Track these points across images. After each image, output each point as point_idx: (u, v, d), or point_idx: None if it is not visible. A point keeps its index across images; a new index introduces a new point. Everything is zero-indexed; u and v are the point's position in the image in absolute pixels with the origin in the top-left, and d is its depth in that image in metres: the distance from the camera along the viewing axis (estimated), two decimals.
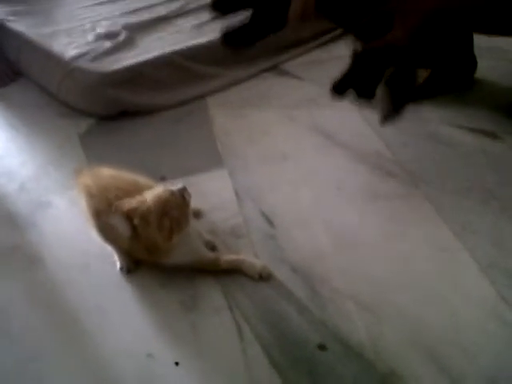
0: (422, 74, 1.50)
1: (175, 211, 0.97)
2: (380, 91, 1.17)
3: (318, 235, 1.12)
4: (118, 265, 1.07)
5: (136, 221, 0.97)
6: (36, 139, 1.47)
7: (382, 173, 1.27)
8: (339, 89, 1.17)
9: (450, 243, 1.09)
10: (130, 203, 0.97)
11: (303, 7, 1.03)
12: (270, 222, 1.16)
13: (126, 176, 1.08)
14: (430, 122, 1.41)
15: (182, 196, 0.99)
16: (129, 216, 0.98)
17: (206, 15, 1.76)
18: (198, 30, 1.69)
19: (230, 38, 1.06)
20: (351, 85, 1.16)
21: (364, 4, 1.08)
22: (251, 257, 1.07)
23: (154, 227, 0.96)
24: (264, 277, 1.03)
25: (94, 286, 1.05)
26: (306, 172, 1.30)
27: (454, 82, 1.48)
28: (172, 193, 0.98)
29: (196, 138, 1.43)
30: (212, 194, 1.24)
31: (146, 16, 1.77)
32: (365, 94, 1.17)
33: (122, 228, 0.99)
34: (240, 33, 1.06)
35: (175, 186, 1.00)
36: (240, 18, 1.06)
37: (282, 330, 0.95)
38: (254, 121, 1.49)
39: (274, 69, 1.69)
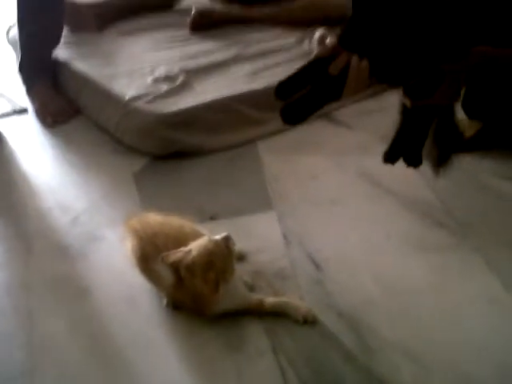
0: (475, 125, 1.49)
1: (220, 262, 0.98)
2: (428, 144, 1.17)
3: (366, 282, 1.11)
4: (165, 301, 1.08)
5: (183, 272, 0.99)
6: (91, 175, 1.52)
7: (431, 222, 1.26)
8: (391, 157, 1.17)
9: (501, 297, 1.06)
10: (175, 255, 0.99)
11: (357, 81, 1.06)
12: (317, 266, 1.16)
13: (174, 222, 1.10)
14: (481, 173, 1.40)
15: (227, 246, 1.00)
16: (175, 267, 0.99)
17: (260, 62, 1.81)
18: (253, 77, 1.73)
19: (287, 114, 1.10)
20: (402, 151, 1.16)
21: (417, 64, 1.10)
22: (296, 300, 1.07)
23: (200, 279, 0.97)
24: (309, 320, 1.03)
25: (140, 322, 1.06)
26: (354, 218, 1.30)
27: (508, 137, 1.47)
28: (216, 243, 1.00)
29: (246, 180, 1.45)
30: (260, 235, 1.25)
31: (202, 61, 1.82)
32: (414, 163, 1.17)
33: (167, 277, 1.01)
34: (298, 108, 1.09)
35: (219, 234, 1.01)
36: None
37: (327, 376, 0.94)
38: (304, 166, 1.50)
39: (325, 116, 1.71)
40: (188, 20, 2.10)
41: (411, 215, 1.29)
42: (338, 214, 1.32)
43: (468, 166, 1.43)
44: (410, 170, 1.41)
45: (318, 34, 1.07)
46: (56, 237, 1.29)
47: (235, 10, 2.17)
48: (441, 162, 1.20)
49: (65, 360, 1.00)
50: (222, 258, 0.98)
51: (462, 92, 1.46)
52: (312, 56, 1.08)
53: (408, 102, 1.11)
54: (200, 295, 0.99)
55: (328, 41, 1.10)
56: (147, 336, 1.03)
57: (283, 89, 1.07)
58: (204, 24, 2.10)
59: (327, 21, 1.94)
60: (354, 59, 1.03)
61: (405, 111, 1.14)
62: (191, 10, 2.12)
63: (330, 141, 1.60)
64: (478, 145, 1.48)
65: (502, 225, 1.24)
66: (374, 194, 1.37)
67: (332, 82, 1.04)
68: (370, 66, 1.03)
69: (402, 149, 1.16)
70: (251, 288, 1.09)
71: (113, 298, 1.11)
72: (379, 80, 1.10)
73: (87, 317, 1.08)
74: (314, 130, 1.65)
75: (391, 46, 1.04)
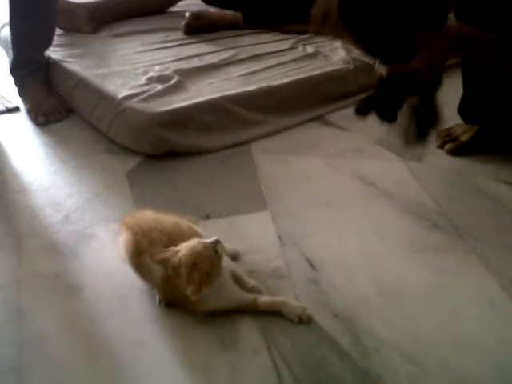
0: (471, 129, 1.50)
1: (206, 264, 0.97)
2: (405, 119, 1.19)
3: (362, 282, 1.10)
4: (157, 299, 1.07)
5: (169, 271, 0.98)
6: (83, 173, 1.50)
7: (427, 224, 1.25)
8: (362, 110, 1.21)
9: (498, 298, 1.06)
10: (164, 253, 0.98)
11: (326, 8, 1.07)
12: (312, 265, 1.15)
13: (169, 219, 1.09)
14: (476, 176, 1.40)
15: (215, 249, 0.99)
16: (163, 265, 0.99)
17: (254, 65, 1.81)
18: (247, 79, 1.73)
19: (250, 16, 1.11)
20: (374, 107, 1.20)
21: (388, 29, 1.11)
22: (291, 299, 1.05)
23: (184, 280, 0.96)
24: (304, 320, 1.01)
25: (133, 319, 1.04)
26: (350, 219, 1.29)
27: (504, 141, 1.48)
28: (205, 246, 0.98)
29: (240, 181, 1.44)
30: (254, 235, 1.24)
31: (197, 63, 1.82)
32: (386, 117, 1.20)
33: (159, 271, 1.00)
34: (261, 12, 1.11)
35: (209, 238, 1.00)
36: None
37: (322, 375, 0.92)
38: (298, 167, 1.50)
39: (319, 119, 1.71)
40: (182, 23, 2.10)
41: (407, 217, 1.28)
42: (333, 215, 1.31)
43: (464, 169, 1.44)
44: (406, 174, 1.43)
45: None
46: (47, 234, 1.26)
47: (229, 14, 2.18)
48: (417, 139, 1.22)
49: (55, 357, 0.97)
50: (207, 261, 0.97)
51: (459, 97, 1.48)
52: None
53: (384, 71, 1.13)
54: (184, 295, 0.97)
55: None
56: (139, 334, 1.01)
57: None
58: (198, 27, 2.10)
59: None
60: None
61: (381, 81, 1.17)
62: (185, 13, 2.13)
63: (325, 143, 1.59)
64: (474, 149, 1.49)
65: (498, 227, 1.24)
66: (369, 195, 1.36)
67: (299, 2, 1.06)
68: (342, 3, 1.06)
69: (376, 105, 1.19)
70: (252, 289, 1.07)
71: (104, 296, 1.09)
72: (348, 26, 1.12)
73: (78, 314, 1.06)
74: (308, 132, 1.65)
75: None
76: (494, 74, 1.39)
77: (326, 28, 1.12)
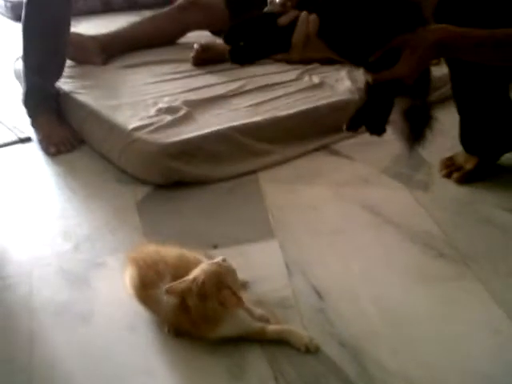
0: (474, 159, 1.52)
1: (229, 279, 1.00)
2: (399, 124, 1.21)
3: (368, 311, 1.11)
4: (166, 328, 1.08)
5: (190, 301, 0.99)
6: (93, 203, 1.53)
7: (433, 253, 1.26)
8: (353, 125, 1.22)
9: (505, 327, 1.06)
10: (180, 284, 1.00)
11: (306, 33, 1.09)
12: (319, 295, 1.16)
13: (173, 251, 1.11)
14: (482, 204, 1.41)
15: (226, 266, 1.02)
16: (181, 296, 1.00)
17: (261, 96, 1.84)
18: (254, 109, 1.76)
19: (235, 55, 1.14)
20: (364, 121, 1.21)
21: (368, 38, 1.12)
22: (299, 328, 1.06)
23: (213, 301, 0.98)
24: (311, 349, 1.02)
25: (142, 348, 1.05)
26: (356, 248, 1.30)
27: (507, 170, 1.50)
28: (218, 264, 1.01)
29: (247, 210, 1.46)
30: (262, 264, 1.25)
31: (205, 94, 1.85)
32: (376, 130, 1.21)
33: (167, 302, 1.02)
34: (246, 51, 1.13)
35: (216, 259, 1.03)
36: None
37: None
38: (305, 196, 1.51)
39: (325, 148, 1.73)
40: (191, 55, 2.15)
41: (413, 246, 1.29)
42: (340, 244, 1.32)
43: (469, 198, 1.45)
44: (412, 203, 1.44)
45: None
46: (58, 263, 1.28)
47: None
48: (414, 140, 1.23)
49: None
50: (228, 275, 1.00)
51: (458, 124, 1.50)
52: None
53: (370, 78, 1.14)
54: (206, 319, 0.99)
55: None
56: (148, 362, 1.02)
57: (232, 34, 1.10)
58: (206, 58, 2.14)
59: (327, 60, 1.98)
60: (303, 14, 1.07)
61: (369, 88, 1.18)
62: (194, 44, 2.17)
63: (331, 172, 1.61)
64: (478, 177, 1.50)
65: (504, 256, 1.24)
66: (375, 224, 1.38)
67: (280, 32, 1.08)
68: (321, 25, 1.07)
69: (365, 118, 1.20)
70: (261, 318, 1.07)
71: (113, 325, 1.10)
72: (328, 44, 1.14)
73: (88, 342, 1.07)
74: (314, 162, 1.67)
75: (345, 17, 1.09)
76: (487, 103, 1.41)
77: (309, 52, 1.14)
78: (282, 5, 1.12)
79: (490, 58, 1.15)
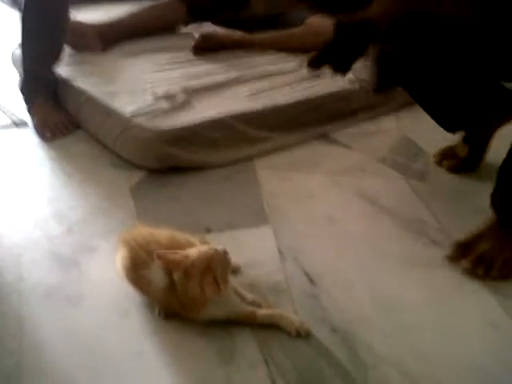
0: (464, 150, 1.51)
1: (218, 269, 0.98)
2: (370, 68, 1.19)
3: (361, 298, 1.10)
4: (156, 310, 1.07)
5: (176, 275, 0.99)
6: (88, 187, 1.52)
7: (427, 241, 1.26)
8: (316, 62, 1.19)
9: (496, 314, 1.05)
10: (173, 255, 0.99)
11: None
12: (311, 280, 1.15)
13: (165, 232, 1.10)
14: (477, 194, 1.40)
15: (225, 256, 1.01)
16: (169, 269, 1.00)
17: (260, 84, 1.83)
18: (253, 97, 1.75)
19: (196, 12, 1.12)
20: (328, 60, 1.17)
21: None
22: (290, 313, 1.05)
23: (195, 283, 0.97)
24: (302, 334, 1.01)
25: (132, 331, 1.05)
26: (350, 235, 1.29)
27: None
28: (216, 251, 1.00)
29: (243, 196, 1.45)
30: (255, 249, 1.24)
31: (203, 81, 1.84)
32: (340, 68, 1.18)
33: (158, 281, 1.01)
34: (206, 8, 1.11)
35: (218, 246, 1.02)
36: None
37: None
38: (301, 184, 1.50)
39: (323, 137, 1.73)
40: (191, 43, 2.14)
41: (407, 234, 1.29)
42: (334, 231, 1.31)
43: (465, 188, 1.44)
44: (408, 192, 1.43)
45: None
46: (50, 246, 1.27)
47: (237, 35, 2.21)
48: (381, 86, 1.20)
49: (53, 368, 0.98)
50: (220, 265, 0.98)
51: None
52: None
53: (346, 16, 1.09)
54: (191, 299, 0.98)
55: None
56: (138, 345, 1.01)
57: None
58: (207, 47, 2.13)
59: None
60: None
61: (338, 28, 1.15)
62: (194, 33, 2.16)
63: (328, 160, 1.60)
64: (469, 167, 1.49)
65: None
66: (370, 212, 1.37)
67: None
68: None
69: (331, 57, 1.17)
70: (252, 303, 1.07)
71: (104, 308, 1.10)
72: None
73: (78, 325, 1.06)
74: (312, 150, 1.66)
75: None
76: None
77: (273, 2, 1.12)
78: None
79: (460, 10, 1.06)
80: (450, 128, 1.42)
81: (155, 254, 0.99)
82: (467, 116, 1.39)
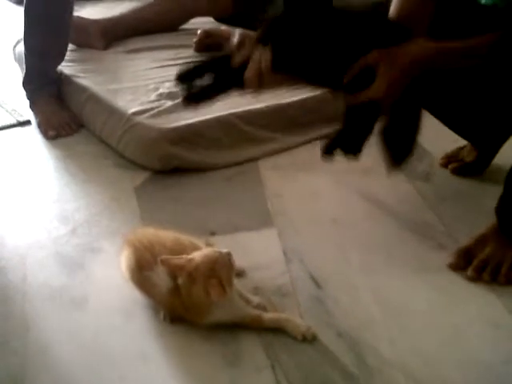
0: (471, 154, 1.50)
1: (223, 272, 0.98)
2: (378, 144, 1.17)
3: (366, 301, 1.10)
4: (161, 314, 1.07)
5: (180, 280, 0.98)
6: (91, 187, 1.51)
7: (433, 244, 1.25)
8: (329, 150, 1.19)
9: (502, 318, 1.05)
10: (177, 260, 0.99)
11: (258, 70, 1.08)
12: (317, 284, 1.15)
13: (170, 234, 1.10)
14: (483, 196, 1.39)
15: (229, 260, 1.00)
16: (173, 273, 0.99)
17: None
18: (257, 96, 1.73)
19: (192, 98, 1.13)
20: (340, 145, 1.18)
21: (337, 57, 1.09)
22: (296, 317, 1.05)
23: (200, 286, 0.97)
24: (308, 338, 1.01)
25: (136, 333, 1.05)
26: (355, 237, 1.29)
27: None
28: (221, 254, 1.00)
29: (246, 197, 1.45)
30: (260, 252, 1.24)
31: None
32: (351, 150, 1.18)
33: (162, 284, 1.01)
34: (201, 91, 1.13)
35: (222, 250, 1.02)
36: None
37: None
38: (305, 185, 1.50)
39: (327, 137, 1.71)
40: (193, 40, 2.13)
41: (412, 236, 1.28)
42: (339, 233, 1.31)
43: (470, 190, 1.44)
44: (414, 194, 1.43)
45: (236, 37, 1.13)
46: (54, 247, 1.27)
47: (240, 32, 2.20)
48: (396, 161, 1.19)
49: (58, 368, 0.98)
50: (224, 268, 0.98)
51: None
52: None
53: (350, 99, 1.11)
54: (195, 303, 0.98)
55: (236, 38, 1.16)
56: (142, 348, 1.01)
57: (185, 75, 1.13)
58: (209, 44, 2.12)
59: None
60: (256, 52, 1.07)
61: (347, 110, 1.15)
62: (196, 31, 2.15)
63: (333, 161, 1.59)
64: (475, 171, 1.49)
65: None
66: (375, 214, 1.36)
67: (233, 72, 1.09)
68: (276, 59, 1.06)
69: (342, 141, 1.17)
70: (258, 306, 1.06)
71: (109, 310, 1.09)
72: (291, 72, 1.13)
73: (82, 327, 1.06)
74: (316, 150, 1.62)
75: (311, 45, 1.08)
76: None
77: (267, 85, 1.13)
78: (240, 44, 1.12)
79: (467, 64, 1.11)
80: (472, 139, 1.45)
81: (159, 260, 0.99)
82: (490, 130, 1.42)
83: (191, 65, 1.13)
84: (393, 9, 1.18)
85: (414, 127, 1.18)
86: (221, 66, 1.11)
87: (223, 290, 0.97)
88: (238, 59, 1.09)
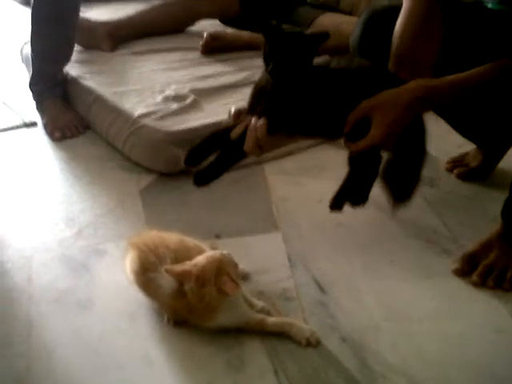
0: (476, 159, 1.50)
1: (230, 269, 0.99)
2: (381, 186, 1.19)
3: (370, 306, 1.10)
4: (165, 318, 1.07)
5: (187, 286, 0.99)
6: (97, 189, 1.52)
7: (437, 250, 1.25)
8: (337, 204, 1.21)
9: (507, 325, 1.05)
10: (181, 267, 1.00)
11: (255, 138, 1.10)
12: (321, 288, 1.15)
13: (174, 236, 1.10)
14: (488, 202, 1.39)
15: (231, 257, 1.02)
16: (179, 280, 1.00)
17: None
18: None
19: (200, 179, 1.18)
20: (346, 196, 1.20)
21: (333, 111, 1.11)
22: (300, 321, 1.05)
23: (212, 286, 0.97)
24: (312, 343, 1.01)
25: (141, 336, 1.05)
26: (359, 242, 1.29)
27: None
28: (222, 254, 1.01)
29: (252, 201, 1.45)
30: (264, 256, 1.24)
31: (213, 82, 1.84)
32: (358, 201, 1.20)
33: (166, 286, 1.01)
34: (209, 171, 1.17)
35: (221, 251, 1.03)
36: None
37: None
38: (310, 189, 1.50)
39: (332, 142, 1.71)
40: (200, 43, 2.13)
41: (417, 242, 1.28)
42: (344, 237, 1.31)
43: (475, 195, 1.44)
44: (418, 198, 1.42)
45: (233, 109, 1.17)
46: (59, 249, 1.28)
47: (246, 35, 2.20)
48: (398, 200, 1.20)
49: (62, 371, 0.98)
50: (230, 265, 1.00)
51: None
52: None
53: (350, 148, 1.14)
54: (206, 305, 0.98)
55: (233, 111, 1.19)
56: (146, 351, 1.02)
57: (192, 157, 1.18)
58: (215, 47, 2.13)
59: (337, 50, 1.96)
60: (252, 121, 1.11)
61: (350, 159, 1.18)
62: (203, 33, 2.15)
63: (337, 165, 1.56)
64: (480, 176, 1.48)
65: None
66: (379, 219, 1.36)
67: (233, 145, 1.13)
68: (271, 123, 1.09)
69: (348, 194, 1.20)
70: (262, 310, 1.07)
71: (113, 313, 1.10)
72: (302, 134, 1.17)
73: (87, 329, 1.07)
74: (321, 155, 1.65)
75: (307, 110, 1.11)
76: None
77: (269, 149, 1.16)
78: (236, 116, 1.16)
79: (467, 98, 1.13)
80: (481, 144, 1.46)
81: (163, 270, 0.99)
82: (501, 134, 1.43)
83: (196, 147, 1.18)
84: (398, 44, 1.17)
85: (418, 162, 1.19)
86: (222, 141, 1.16)
87: (236, 283, 0.98)
88: (236, 132, 1.13)
